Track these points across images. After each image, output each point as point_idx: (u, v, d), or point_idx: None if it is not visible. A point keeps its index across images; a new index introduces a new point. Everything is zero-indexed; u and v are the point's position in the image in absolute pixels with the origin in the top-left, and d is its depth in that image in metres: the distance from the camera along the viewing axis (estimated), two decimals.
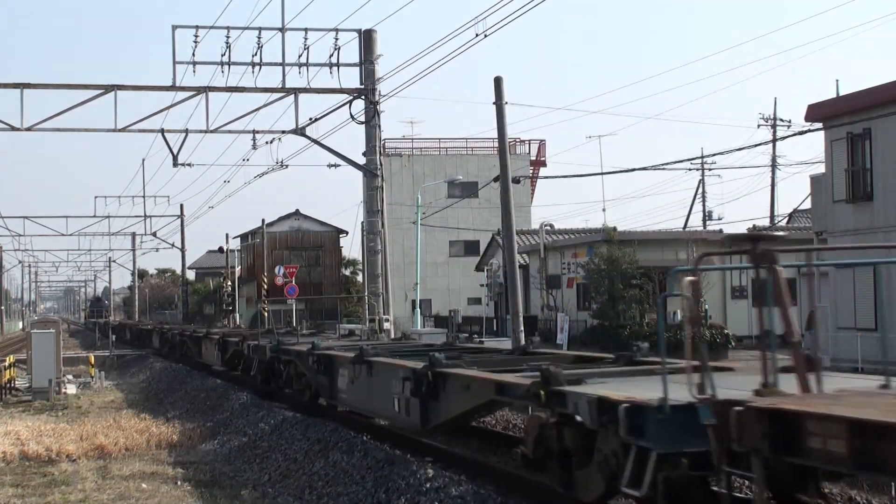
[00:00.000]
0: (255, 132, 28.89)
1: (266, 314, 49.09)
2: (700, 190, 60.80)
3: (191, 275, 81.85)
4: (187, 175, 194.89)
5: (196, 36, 25.35)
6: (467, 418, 12.77)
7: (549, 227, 46.28)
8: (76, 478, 13.84)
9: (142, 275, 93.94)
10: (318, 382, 15.70)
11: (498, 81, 24.61)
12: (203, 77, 32.46)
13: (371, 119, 25.90)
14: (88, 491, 12.78)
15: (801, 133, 61.38)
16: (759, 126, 58.73)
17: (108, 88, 25.93)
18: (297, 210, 67.56)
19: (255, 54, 25.85)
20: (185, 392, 24.63)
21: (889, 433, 5.13)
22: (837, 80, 55.40)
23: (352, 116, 26.29)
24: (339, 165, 28.37)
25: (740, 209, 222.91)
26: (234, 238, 72.30)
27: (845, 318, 26.60)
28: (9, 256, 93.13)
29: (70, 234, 63.12)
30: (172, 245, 64.22)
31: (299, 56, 26.06)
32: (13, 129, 25.91)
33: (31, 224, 61.07)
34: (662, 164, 71.98)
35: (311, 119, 27.42)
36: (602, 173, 76.38)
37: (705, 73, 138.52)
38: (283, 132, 28.26)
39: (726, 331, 35.89)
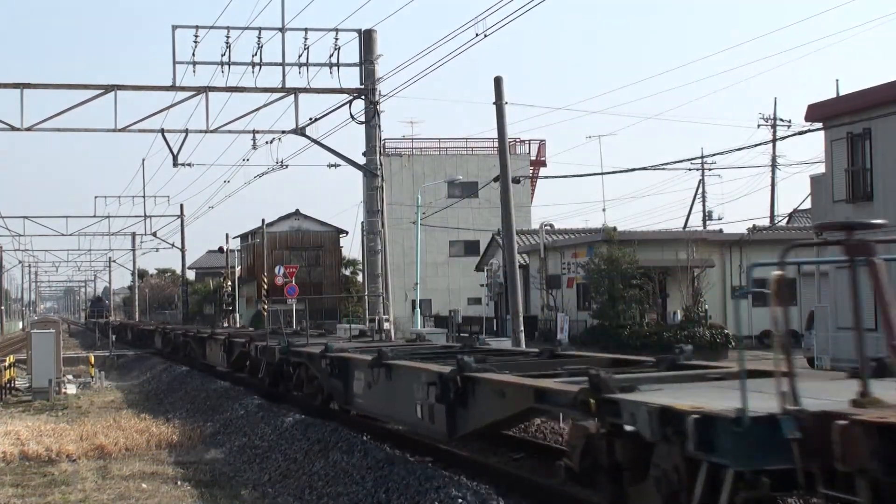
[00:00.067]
0: (255, 132, 28.91)
1: (267, 314, 49.13)
2: (700, 190, 60.87)
3: (191, 275, 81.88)
4: (187, 175, 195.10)
5: (196, 36, 25.36)
6: (500, 427, 12.06)
7: (549, 227, 46.33)
8: (76, 478, 13.83)
9: (142, 275, 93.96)
10: (331, 386, 15.02)
11: (498, 81, 24.62)
12: (203, 77, 32.47)
13: (371, 119, 25.90)
14: (88, 491, 12.78)
15: (801, 133, 61.43)
16: (759, 126, 58.93)
17: (108, 88, 25.93)
18: (297, 210, 67.66)
19: (255, 54, 25.87)
20: (185, 392, 24.61)
21: None
22: (837, 80, 55.56)
23: (352, 116, 26.30)
24: (339, 165, 28.39)
25: (740, 209, 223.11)
26: (234, 238, 72.42)
27: (845, 318, 26.58)
28: (9, 256, 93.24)
29: (70, 234, 63.22)
30: (172, 245, 64.28)
31: (299, 56, 26.08)
32: (13, 129, 25.91)
33: (31, 224, 61.17)
34: (662, 164, 72.09)
35: (311, 119, 27.44)
36: (602, 173, 76.50)
37: (705, 73, 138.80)
38: (283, 132, 28.27)
39: (726, 331, 35.90)
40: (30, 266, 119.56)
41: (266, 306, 49.73)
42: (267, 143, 29.63)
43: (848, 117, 25.99)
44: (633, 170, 67.64)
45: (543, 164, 65.81)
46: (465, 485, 10.12)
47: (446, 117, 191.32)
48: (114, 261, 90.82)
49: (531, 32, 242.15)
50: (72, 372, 31.76)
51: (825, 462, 5.61)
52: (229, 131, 28.04)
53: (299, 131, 27.07)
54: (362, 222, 31.39)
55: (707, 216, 60.71)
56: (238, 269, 64.43)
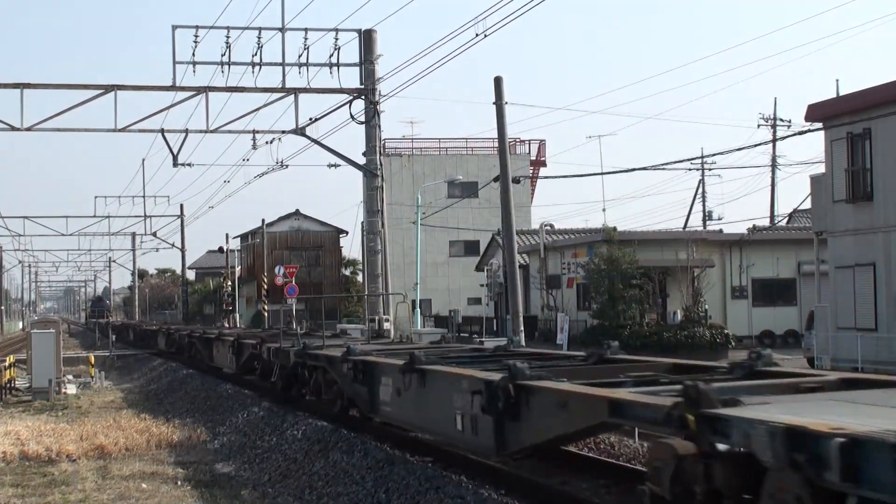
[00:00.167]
0: (255, 132, 28.92)
1: (267, 314, 49.12)
2: (700, 190, 60.87)
3: (191, 275, 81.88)
4: (187, 175, 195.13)
5: (196, 36, 25.36)
6: (560, 444, 10.87)
7: (549, 227, 46.31)
8: (76, 478, 13.83)
9: (142, 275, 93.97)
10: (354, 392, 13.90)
11: (498, 81, 24.66)
12: (203, 77, 32.53)
13: (371, 119, 25.90)
14: (88, 491, 12.78)
15: (801, 133, 61.40)
16: (759, 126, 58.92)
17: (108, 88, 25.93)
18: (297, 210, 67.67)
19: (255, 54, 25.88)
20: (185, 392, 24.62)
21: None
22: (837, 80, 55.52)
23: (352, 116, 26.31)
24: (339, 165, 28.40)
25: (740, 209, 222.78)
26: (234, 238, 72.41)
27: (845, 318, 26.60)
28: (9, 256, 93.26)
29: (70, 234, 63.23)
30: (172, 245, 64.29)
31: (299, 56, 26.09)
32: (13, 129, 25.92)
33: (31, 224, 61.19)
34: (662, 164, 71.99)
35: (311, 119, 27.45)
36: (602, 173, 76.46)
37: (705, 73, 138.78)
38: (283, 132, 28.27)
39: (726, 331, 35.90)
40: (30, 266, 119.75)
41: (266, 306, 49.75)
42: (267, 143, 29.66)
43: (848, 117, 25.98)
44: (633, 170, 67.60)
45: (543, 164, 65.83)
46: (466, 485, 10.13)
47: (446, 117, 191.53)
48: (114, 261, 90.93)
49: (531, 32, 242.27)
50: (72, 372, 31.76)
51: None
52: (229, 131, 28.06)
53: (299, 131, 27.07)
54: (362, 222, 31.40)
55: (707, 216, 60.75)
56: (238, 269, 64.43)
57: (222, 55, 25.81)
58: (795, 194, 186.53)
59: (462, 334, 39.26)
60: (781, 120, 58.39)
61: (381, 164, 26.54)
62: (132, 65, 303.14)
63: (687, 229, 50.82)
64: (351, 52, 26.59)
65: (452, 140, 65.95)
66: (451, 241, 62.33)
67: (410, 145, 65.18)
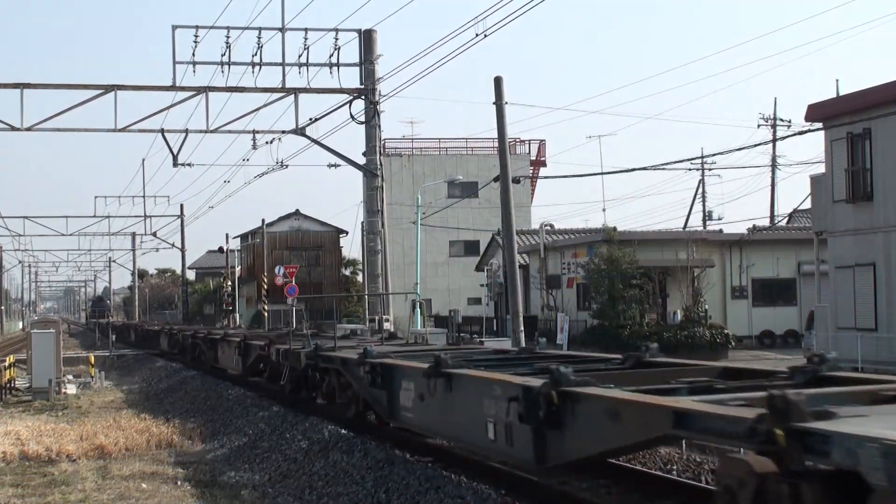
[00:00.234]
0: (255, 132, 28.94)
1: (267, 314, 49.13)
2: (700, 190, 60.89)
3: (191, 275, 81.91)
4: (187, 175, 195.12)
5: (196, 36, 25.38)
6: (610, 457, 10.14)
7: (549, 227, 46.31)
8: (76, 478, 13.83)
9: (142, 275, 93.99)
10: (372, 397, 13.10)
11: (498, 81, 24.65)
12: (203, 77, 32.55)
13: (371, 119, 25.91)
14: (88, 491, 12.78)
15: (801, 133, 61.44)
16: (759, 126, 58.96)
17: (108, 88, 25.94)
18: (297, 210, 67.71)
19: (255, 54, 25.90)
20: (185, 392, 24.62)
21: None
22: (837, 80, 55.54)
23: (352, 116, 26.33)
24: (339, 165, 28.42)
25: (740, 209, 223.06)
26: (234, 238, 72.45)
27: (845, 318, 26.61)
28: (9, 256, 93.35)
29: (70, 234, 63.28)
30: (172, 245, 64.32)
31: (299, 56, 26.11)
32: (13, 129, 25.93)
33: (31, 224, 61.22)
34: (662, 164, 72.02)
35: (311, 119, 27.48)
36: (602, 173, 76.52)
37: (705, 73, 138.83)
38: (283, 132, 28.28)
39: (726, 331, 35.92)
40: (30, 266, 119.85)
41: (266, 306, 49.77)
42: (267, 143, 29.67)
43: (848, 117, 25.99)
44: (633, 170, 67.64)
45: (543, 164, 65.85)
46: (466, 485, 10.13)
47: (446, 117, 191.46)
48: (114, 261, 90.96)
49: (531, 32, 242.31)
50: (72, 372, 31.77)
51: None
52: (229, 131, 28.09)
53: (299, 131, 27.09)
54: (362, 222, 31.43)
55: (707, 216, 60.77)
56: (238, 269, 64.45)
57: (222, 55, 25.84)
58: (795, 194, 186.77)
59: (462, 334, 39.25)
60: (781, 120, 58.47)
61: (381, 164, 26.55)
62: (132, 65, 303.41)
63: (687, 229, 50.83)
64: (351, 52, 26.64)
65: (452, 140, 66.03)
66: (451, 241, 62.34)
67: (410, 145, 65.21)
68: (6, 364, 27.02)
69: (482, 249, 54.72)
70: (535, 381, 8.48)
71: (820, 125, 27.89)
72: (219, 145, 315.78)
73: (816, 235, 28.47)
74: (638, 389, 7.99)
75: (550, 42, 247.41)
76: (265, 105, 27.21)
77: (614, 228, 39.67)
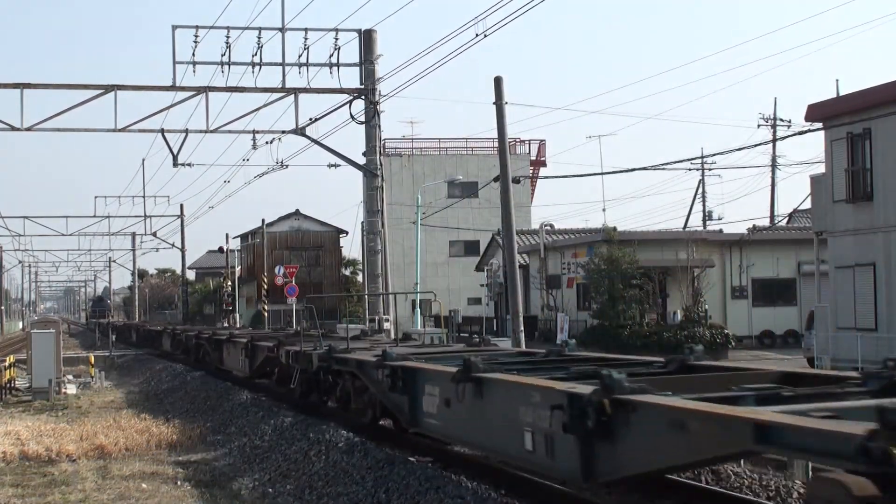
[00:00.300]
0: (255, 132, 28.93)
1: (267, 314, 49.13)
2: (700, 190, 60.91)
3: (191, 275, 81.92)
4: (187, 175, 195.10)
5: (196, 36, 25.37)
6: (672, 472, 9.40)
7: (549, 227, 46.34)
8: (76, 478, 13.84)
9: (142, 275, 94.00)
10: (391, 402, 12.37)
11: (498, 81, 24.64)
12: (203, 77, 32.56)
13: (371, 119, 25.91)
14: (88, 491, 12.78)
15: (801, 133, 61.43)
16: (759, 126, 58.97)
17: (108, 88, 25.94)
18: (297, 210, 67.75)
19: (255, 54, 25.88)
20: (185, 392, 24.61)
21: None
22: (837, 80, 55.50)
23: (352, 116, 26.31)
24: (339, 165, 28.41)
25: (740, 209, 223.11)
26: (234, 238, 72.47)
27: (845, 318, 26.61)
28: (9, 256, 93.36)
29: (70, 234, 63.25)
30: (172, 245, 64.29)
31: (299, 56, 26.09)
32: (13, 129, 25.92)
33: (31, 224, 61.20)
34: (662, 164, 72.02)
35: (311, 119, 27.46)
36: (602, 173, 76.58)
37: (705, 73, 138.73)
38: (283, 132, 28.28)
39: (726, 331, 35.92)
40: (30, 266, 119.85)
41: (266, 306, 49.79)
42: (267, 143, 29.67)
43: (848, 117, 26.00)
44: (633, 170, 67.67)
45: (543, 164, 65.86)
46: (465, 485, 10.13)
47: (446, 117, 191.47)
48: (114, 261, 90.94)
49: (531, 32, 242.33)
50: (72, 372, 31.77)
51: None
52: (229, 131, 28.07)
53: (299, 131, 27.08)
54: (362, 222, 31.42)
55: (707, 216, 60.79)
56: (238, 269, 64.46)
57: (222, 55, 25.83)
58: (795, 194, 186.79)
59: (462, 334, 39.25)
60: (781, 120, 58.49)
61: (381, 164, 26.54)
62: (132, 65, 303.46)
63: (687, 229, 50.85)
64: (351, 52, 26.62)
65: (452, 140, 66.04)
66: (451, 241, 62.36)
67: (410, 145, 65.22)
68: (6, 364, 27.02)
69: (482, 249, 54.73)
70: (583, 388, 7.76)
71: (820, 125, 27.89)
72: (219, 145, 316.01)
73: (816, 235, 28.47)
74: (701, 397, 7.22)
75: (550, 42, 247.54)
76: (265, 105, 27.22)
77: (614, 228, 39.70)
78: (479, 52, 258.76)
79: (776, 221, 53.59)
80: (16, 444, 16.26)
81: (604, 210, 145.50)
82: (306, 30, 26.05)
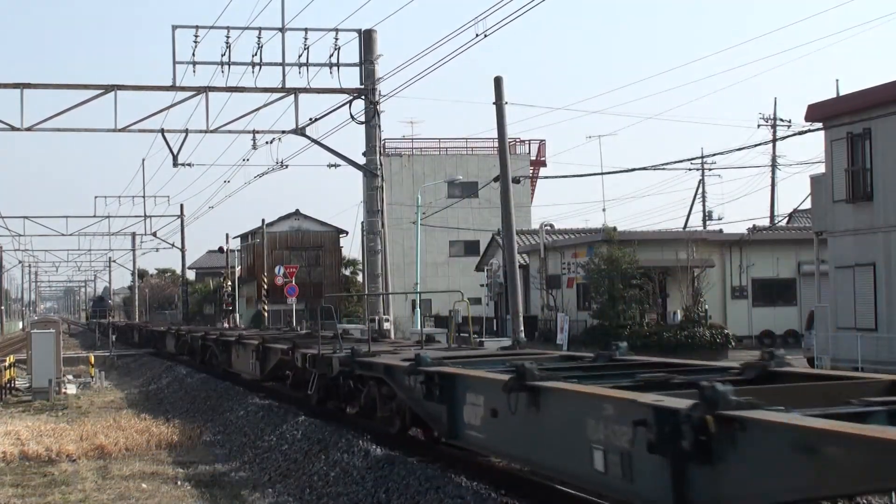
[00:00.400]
0: (255, 132, 28.91)
1: (267, 314, 49.14)
2: (700, 190, 60.92)
3: (191, 275, 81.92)
4: (187, 175, 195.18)
5: (196, 36, 25.35)
6: None
7: (549, 227, 46.34)
8: (76, 478, 13.84)
9: (142, 275, 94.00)
10: (426, 412, 11.29)
11: (498, 81, 24.67)
12: (203, 77, 32.44)
13: (371, 119, 25.90)
14: (88, 491, 12.79)
15: (801, 133, 61.43)
16: (759, 126, 58.98)
17: (108, 88, 25.93)
18: (297, 210, 67.72)
19: (255, 54, 25.86)
20: (185, 392, 24.62)
21: None
22: (837, 80, 55.47)
23: (352, 116, 26.30)
24: (339, 165, 28.40)
25: (740, 209, 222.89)
26: (234, 238, 72.46)
27: (845, 318, 26.61)
28: (9, 256, 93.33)
29: (70, 234, 63.17)
30: (172, 245, 64.25)
31: (299, 56, 26.07)
32: (13, 129, 25.90)
33: (31, 224, 61.12)
34: (662, 164, 71.94)
35: (311, 119, 27.42)
36: (602, 173, 76.51)
37: (705, 73, 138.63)
38: (283, 132, 28.26)
39: (726, 331, 35.93)
40: (30, 266, 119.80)
41: (266, 306, 49.80)
42: (267, 143, 29.65)
43: (848, 117, 26.00)
44: (633, 170, 67.67)
45: (543, 164, 65.87)
46: (465, 485, 10.13)
47: (446, 117, 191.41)
48: (114, 261, 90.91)
49: (531, 32, 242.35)
50: (72, 372, 31.78)
51: None
52: (229, 131, 28.03)
53: (299, 131, 27.07)
54: (362, 222, 31.40)
55: (707, 216, 60.81)
56: (238, 269, 64.47)
57: (222, 55, 25.80)
58: (795, 194, 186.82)
59: (462, 334, 39.27)
60: (781, 120, 58.50)
61: (381, 164, 26.53)
62: (132, 65, 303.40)
63: (687, 229, 50.87)
64: (351, 52, 26.60)
65: (452, 140, 66.04)
66: (451, 241, 62.37)
67: (410, 145, 65.23)
68: (6, 364, 27.03)
69: (482, 249, 54.74)
70: (676, 402, 6.72)
71: (820, 125, 27.90)
72: (219, 145, 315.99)
73: (816, 235, 28.47)
74: (825, 413, 6.13)
75: (550, 42, 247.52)
76: (265, 105, 27.19)
77: (614, 228, 39.70)
78: (479, 52, 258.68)
79: (776, 221, 53.61)
80: (16, 444, 16.27)
81: (604, 210, 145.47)
82: (306, 30, 26.04)
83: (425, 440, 12.82)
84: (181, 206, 61.60)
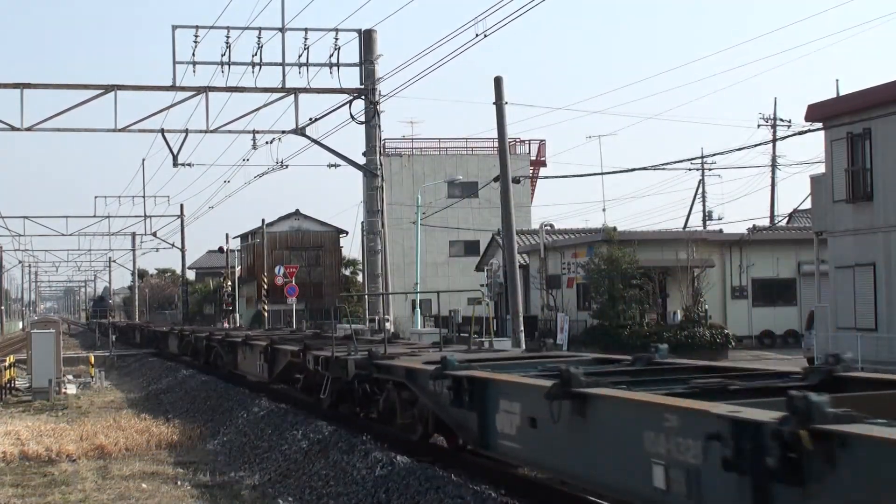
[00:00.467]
0: (255, 132, 28.94)
1: (267, 314, 49.11)
2: (700, 190, 60.90)
3: (191, 275, 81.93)
4: (187, 175, 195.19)
5: (196, 36, 25.38)
6: None
7: (549, 227, 46.32)
8: (76, 478, 13.84)
9: (142, 275, 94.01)
10: (453, 419, 10.62)
11: (498, 81, 24.66)
12: (203, 77, 32.53)
13: (371, 119, 25.91)
14: (88, 491, 12.79)
15: (801, 133, 61.45)
16: (759, 126, 58.96)
17: (108, 88, 25.94)
18: (297, 210, 67.75)
19: (255, 54, 25.89)
20: (185, 392, 24.62)
21: None
22: (837, 80, 55.50)
23: (352, 116, 26.32)
24: (339, 165, 28.43)
25: (740, 209, 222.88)
26: (234, 238, 72.48)
27: (845, 318, 26.61)
28: (9, 256, 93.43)
29: (70, 234, 63.25)
30: (172, 245, 64.29)
31: (299, 56, 26.10)
32: (13, 129, 25.93)
33: (31, 224, 61.21)
34: (662, 164, 71.98)
35: (311, 119, 27.46)
36: (602, 173, 76.52)
37: (706, 73, 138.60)
38: (283, 132, 28.28)
39: (726, 331, 35.92)
40: (30, 266, 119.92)
41: (266, 306, 49.80)
42: (267, 143, 29.68)
43: (848, 117, 26.00)
44: (633, 170, 67.67)
45: (543, 164, 65.84)
46: (465, 485, 10.12)
47: (446, 117, 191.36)
48: (114, 261, 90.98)
49: (531, 32, 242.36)
50: (72, 372, 31.78)
51: None
52: (229, 131, 28.08)
53: (299, 131, 27.08)
54: (362, 222, 31.43)
55: (707, 216, 60.79)
56: (238, 269, 64.47)
57: (222, 55, 25.83)
58: (795, 194, 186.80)
59: (462, 334, 39.26)
60: (781, 120, 58.48)
61: (381, 164, 26.54)
62: (132, 65, 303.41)
63: (687, 229, 50.86)
64: (351, 52, 26.63)
65: (452, 140, 66.02)
66: (451, 241, 62.35)
67: (410, 145, 65.21)
68: (6, 364, 27.03)
69: (482, 249, 54.72)
70: (758, 413, 6.03)
71: (820, 125, 27.90)
72: (219, 145, 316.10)
73: (816, 235, 28.47)
74: None
75: (551, 42, 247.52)
76: (265, 105, 27.23)
77: (614, 228, 39.67)
78: (479, 52, 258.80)
79: (776, 221, 53.60)
80: (16, 444, 16.27)
81: (604, 210, 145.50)
82: (306, 30, 26.07)
83: (449, 448, 12.23)
84: (181, 206, 61.70)
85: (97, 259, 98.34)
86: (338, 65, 26.01)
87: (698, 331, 34.97)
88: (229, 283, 55.19)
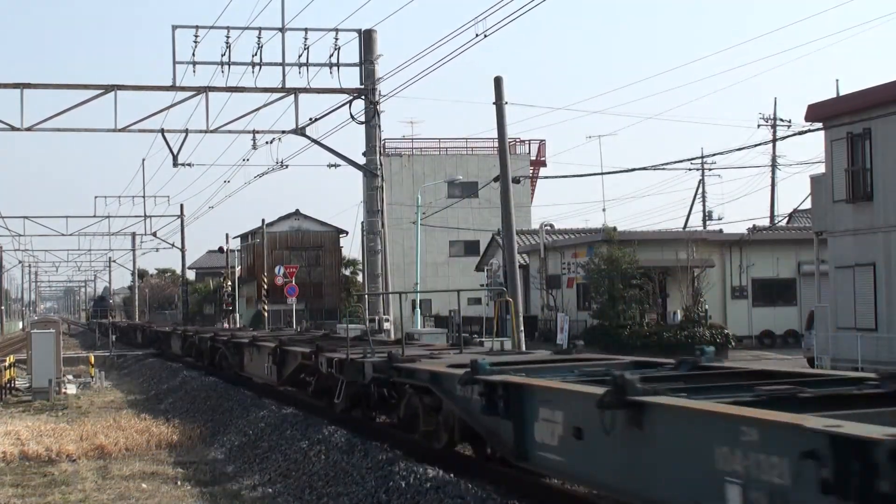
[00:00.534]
0: (255, 132, 28.93)
1: (267, 314, 49.10)
2: (700, 190, 60.90)
3: (191, 275, 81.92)
4: (187, 175, 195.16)
5: (196, 36, 25.37)
6: None
7: (549, 227, 46.34)
8: (76, 478, 13.84)
9: (142, 275, 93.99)
10: (486, 428, 9.93)
11: (498, 81, 24.64)
12: (203, 77, 32.53)
13: (371, 119, 25.90)
14: (88, 491, 12.79)
15: (801, 133, 61.44)
16: (759, 126, 58.96)
17: (108, 88, 25.93)
18: (297, 210, 67.76)
19: (255, 54, 25.88)
20: (184, 392, 24.61)
21: None
22: (837, 80, 55.48)
23: (352, 116, 26.31)
24: (339, 165, 28.43)
25: (740, 209, 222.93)
26: (234, 238, 72.48)
27: (845, 318, 26.61)
28: (9, 256, 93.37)
29: (70, 234, 63.22)
30: (172, 245, 64.28)
31: (299, 56, 26.09)
32: (13, 129, 25.92)
33: (31, 224, 61.18)
34: (662, 164, 71.95)
35: (311, 119, 27.45)
36: (602, 173, 76.46)
37: (706, 73, 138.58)
38: (283, 132, 28.27)
39: (726, 331, 35.93)
40: (30, 266, 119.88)
41: (266, 306, 49.80)
42: (267, 143, 29.67)
43: (848, 117, 25.99)
44: (633, 170, 67.61)
45: (543, 164, 65.87)
46: (465, 485, 10.12)
47: (446, 117, 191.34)
48: (114, 261, 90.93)
49: (531, 32, 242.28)
50: (72, 372, 31.78)
51: None
52: (229, 131, 28.06)
53: (299, 131, 27.07)
54: (362, 222, 31.40)
55: (707, 216, 60.80)
56: (238, 269, 64.47)
57: (222, 55, 25.82)
58: (795, 194, 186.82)
59: (463, 334, 39.24)
60: (781, 120, 58.49)
61: (381, 164, 26.54)
62: (132, 65, 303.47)
63: (687, 229, 50.85)
64: (351, 52, 26.62)
65: (452, 140, 66.05)
66: (451, 241, 62.36)
67: (410, 145, 65.23)
68: (6, 364, 27.03)
69: (482, 249, 54.74)
70: (862, 429, 5.37)
71: (820, 125, 27.88)
72: (219, 145, 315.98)
73: (816, 235, 28.46)
74: None
75: (551, 42, 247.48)
76: (265, 105, 27.22)
77: (614, 228, 39.69)
78: (479, 52, 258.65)
79: (776, 221, 53.60)
80: (16, 444, 16.27)
81: (604, 210, 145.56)
82: (306, 30, 26.06)
83: (477, 458, 11.59)
84: (181, 206, 61.68)
85: (97, 259, 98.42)
86: (338, 65, 26.00)
87: (698, 331, 34.96)
88: (229, 283, 55.18)
